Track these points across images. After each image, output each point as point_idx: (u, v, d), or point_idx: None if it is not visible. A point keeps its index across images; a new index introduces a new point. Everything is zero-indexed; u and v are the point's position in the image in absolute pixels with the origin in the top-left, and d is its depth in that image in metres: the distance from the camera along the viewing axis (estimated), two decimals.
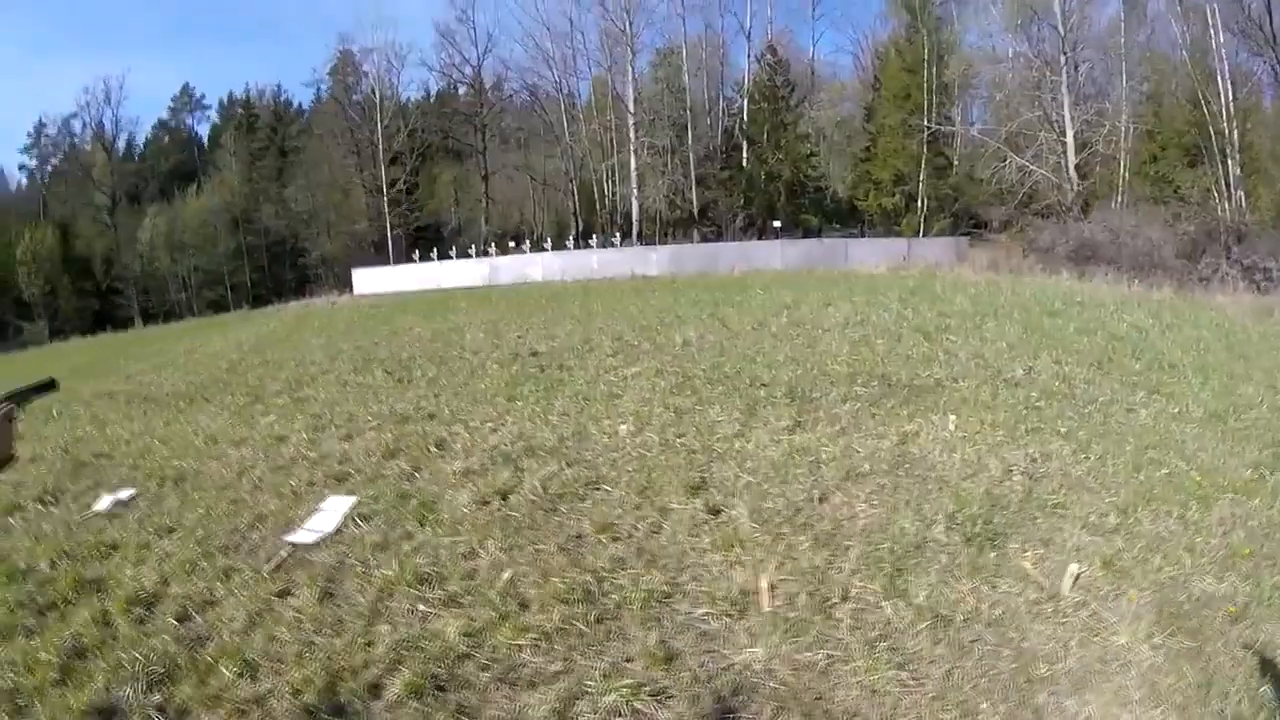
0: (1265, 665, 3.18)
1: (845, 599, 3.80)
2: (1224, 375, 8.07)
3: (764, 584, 3.93)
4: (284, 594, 4.27)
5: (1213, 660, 3.26)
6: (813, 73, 49.62)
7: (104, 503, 6.03)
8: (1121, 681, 3.15)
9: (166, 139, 63.63)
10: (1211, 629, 3.47)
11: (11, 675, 3.57)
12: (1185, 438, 6.10)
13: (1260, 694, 3.00)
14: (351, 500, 5.50)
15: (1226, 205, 27.60)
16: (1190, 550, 4.15)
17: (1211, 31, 28.83)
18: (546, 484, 5.50)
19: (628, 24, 41.12)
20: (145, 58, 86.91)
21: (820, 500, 5.03)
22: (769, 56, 41.66)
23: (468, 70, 48.23)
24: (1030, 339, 10.16)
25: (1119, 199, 31.27)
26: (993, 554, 4.20)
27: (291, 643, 3.72)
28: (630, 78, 41.89)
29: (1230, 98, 28.60)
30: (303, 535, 5.03)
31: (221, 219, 52.75)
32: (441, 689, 3.29)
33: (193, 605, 4.18)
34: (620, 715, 3.05)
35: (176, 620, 4.03)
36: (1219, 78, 28.66)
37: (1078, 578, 3.94)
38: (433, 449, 6.64)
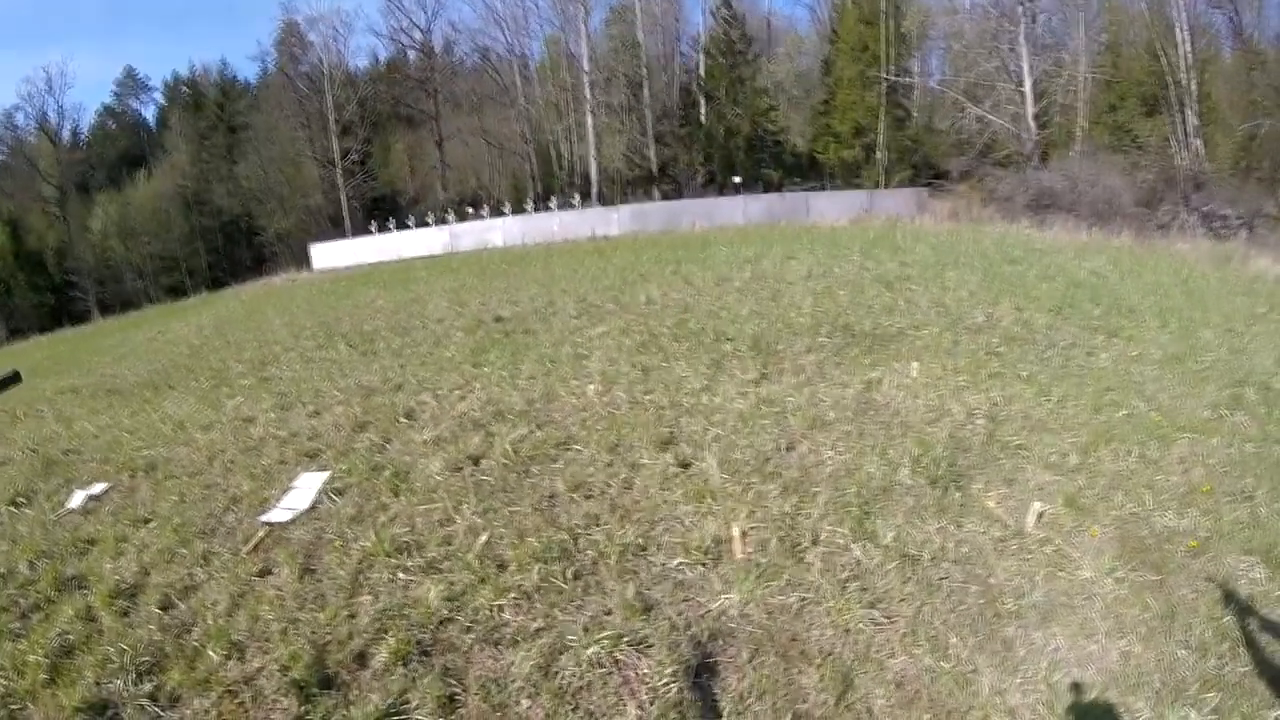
0: (1227, 596, 3.31)
1: (815, 543, 3.90)
2: (1183, 319, 8.24)
3: (736, 532, 4.02)
4: (264, 574, 4.28)
5: (1175, 592, 3.39)
6: (769, 26, 49.27)
7: (77, 499, 5.95)
8: (1087, 614, 3.28)
9: (112, 125, 61.32)
10: (1173, 562, 3.60)
11: (2, 680, 3.56)
12: (1145, 379, 6.26)
13: (1223, 623, 3.13)
14: (324, 476, 5.49)
15: (1184, 154, 27.95)
16: (1150, 487, 4.29)
17: None
18: (517, 447, 5.53)
19: None
20: (85, 44, 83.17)
21: (788, 449, 5.14)
22: (724, 11, 41.18)
23: (417, 35, 47.32)
24: (991, 286, 10.33)
25: (1077, 148, 31.54)
26: (957, 494, 4.33)
27: (275, 621, 3.75)
28: (584, 36, 41.01)
29: (1189, 48, 28.78)
30: (278, 514, 5.02)
31: (173, 203, 51.03)
32: (426, 654, 3.35)
33: (175, 593, 4.18)
34: (602, 666, 3.13)
35: (160, 609, 4.04)
36: (1178, 29, 28.77)
37: (1041, 515, 4.07)
38: (402, 419, 6.64)
